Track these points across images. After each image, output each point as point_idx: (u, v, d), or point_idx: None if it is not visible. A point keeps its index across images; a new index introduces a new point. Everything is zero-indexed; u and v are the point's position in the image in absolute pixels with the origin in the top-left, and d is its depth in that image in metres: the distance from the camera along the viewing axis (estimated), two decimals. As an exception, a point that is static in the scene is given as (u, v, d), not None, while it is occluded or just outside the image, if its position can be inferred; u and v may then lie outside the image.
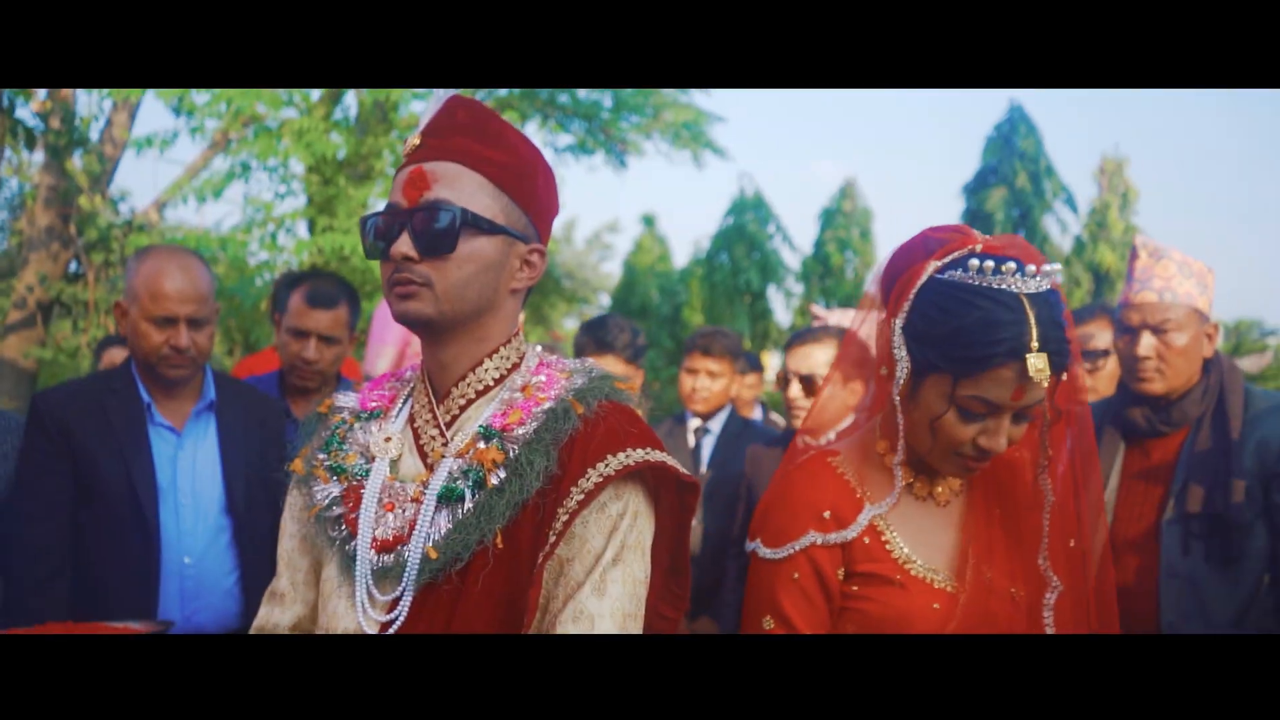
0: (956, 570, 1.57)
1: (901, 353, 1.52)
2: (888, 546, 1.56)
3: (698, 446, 3.81)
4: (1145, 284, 2.45)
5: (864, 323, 1.76)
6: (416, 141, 1.34)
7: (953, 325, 1.45)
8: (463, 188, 1.30)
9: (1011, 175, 13.72)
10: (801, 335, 3.18)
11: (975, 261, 1.45)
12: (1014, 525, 1.63)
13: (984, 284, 1.45)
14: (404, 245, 1.28)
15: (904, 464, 1.59)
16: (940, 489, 1.62)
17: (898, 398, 1.53)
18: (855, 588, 1.56)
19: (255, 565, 2.40)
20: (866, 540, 1.55)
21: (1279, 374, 12.20)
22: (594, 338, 3.10)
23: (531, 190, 1.37)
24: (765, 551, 1.58)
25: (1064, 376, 1.51)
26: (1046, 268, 1.47)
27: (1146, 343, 2.41)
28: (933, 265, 1.49)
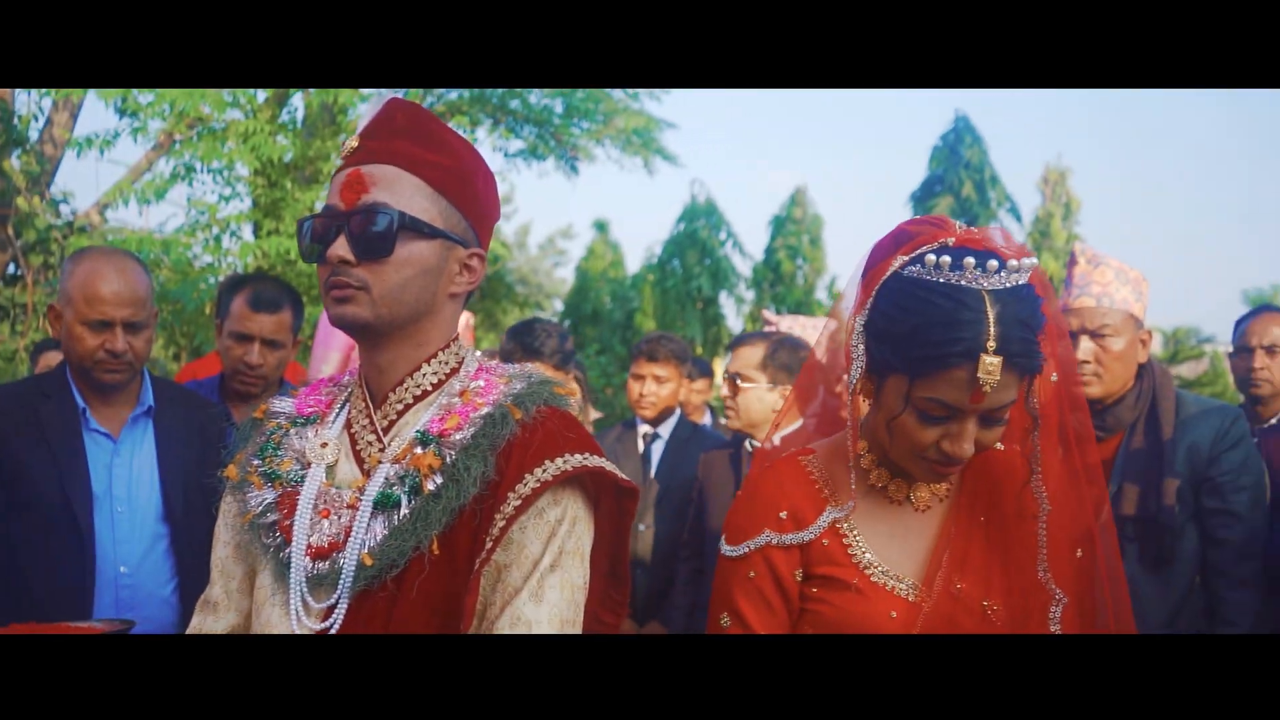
0: (925, 579, 1.50)
1: (859, 350, 1.47)
2: (849, 550, 1.51)
3: (647, 452, 3.82)
4: (1084, 290, 2.50)
5: (829, 326, 1.74)
6: (354, 144, 1.32)
7: (909, 324, 1.38)
8: (401, 191, 1.29)
9: (958, 184, 13.90)
10: (739, 338, 3.25)
11: (933, 257, 1.38)
12: (1001, 535, 1.54)
13: (942, 280, 1.36)
14: (340, 248, 1.26)
15: (876, 466, 1.54)
16: (922, 493, 1.54)
17: (850, 397, 1.49)
18: (814, 590, 1.52)
19: (194, 574, 2.36)
20: (826, 542, 1.51)
21: (1215, 380, 12.52)
22: (520, 344, 3.03)
23: (472, 194, 1.36)
24: (726, 549, 1.56)
25: (1053, 378, 1.44)
26: (1013, 263, 1.36)
27: (1085, 347, 2.46)
28: (899, 260, 1.42)
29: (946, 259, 1.37)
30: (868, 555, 1.50)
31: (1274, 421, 3.24)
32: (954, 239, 1.41)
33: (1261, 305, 3.86)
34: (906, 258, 1.41)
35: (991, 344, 1.33)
